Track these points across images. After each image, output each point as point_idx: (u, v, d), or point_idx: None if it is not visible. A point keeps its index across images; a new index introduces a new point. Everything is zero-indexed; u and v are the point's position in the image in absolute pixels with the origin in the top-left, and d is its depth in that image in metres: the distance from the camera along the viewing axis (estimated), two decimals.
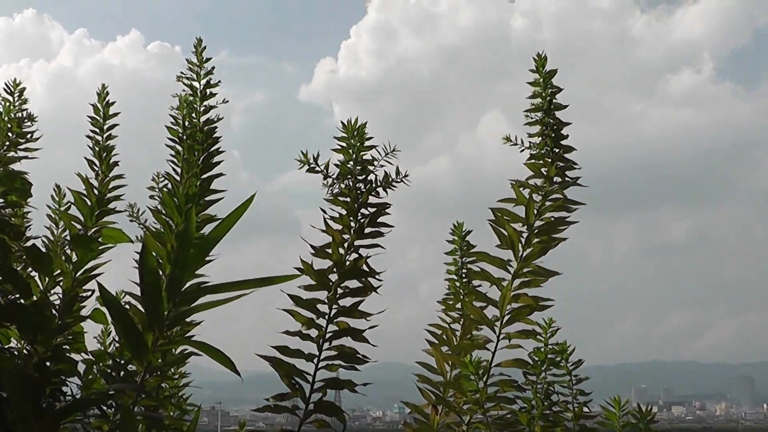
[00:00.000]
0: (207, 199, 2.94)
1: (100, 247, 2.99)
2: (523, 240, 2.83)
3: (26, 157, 3.07)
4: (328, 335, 2.60)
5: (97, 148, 3.17)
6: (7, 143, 3.02)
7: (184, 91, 3.03)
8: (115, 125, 3.21)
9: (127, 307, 2.65)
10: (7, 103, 3.08)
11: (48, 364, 2.80)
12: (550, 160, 2.84)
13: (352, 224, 2.63)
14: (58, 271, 2.98)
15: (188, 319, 2.62)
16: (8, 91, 3.10)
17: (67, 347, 2.94)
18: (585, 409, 3.22)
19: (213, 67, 3.07)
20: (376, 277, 2.63)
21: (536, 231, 2.82)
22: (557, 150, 2.86)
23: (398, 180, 2.62)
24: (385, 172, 2.62)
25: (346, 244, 2.62)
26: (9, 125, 3.03)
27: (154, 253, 2.70)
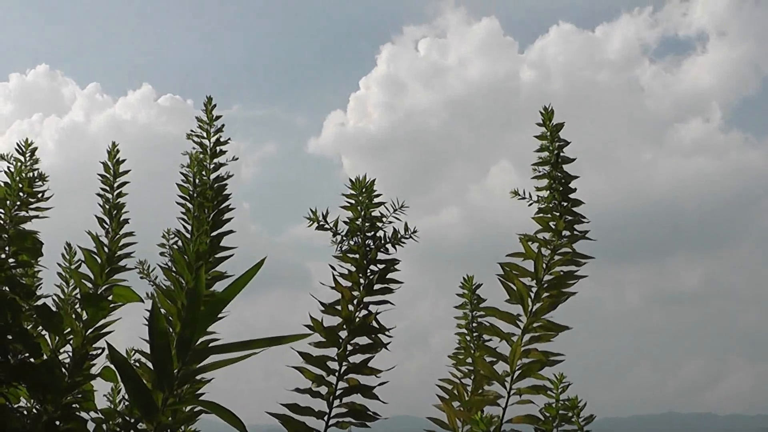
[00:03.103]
0: (217, 256, 2.95)
1: (111, 306, 2.99)
2: (532, 294, 2.83)
3: (37, 216, 3.10)
4: (338, 392, 2.60)
5: (107, 206, 3.19)
6: (18, 203, 3.05)
7: (194, 148, 3.07)
8: (125, 183, 3.23)
9: (136, 365, 2.65)
10: (19, 163, 3.11)
11: (57, 423, 2.80)
12: (558, 214, 2.85)
13: (362, 281, 2.64)
14: (69, 329, 2.99)
15: (198, 377, 2.62)
16: (20, 151, 3.13)
17: (77, 406, 2.93)
18: None
19: (223, 125, 3.10)
20: (386, 333, 2.63)
21: (545, 285, 2.82)
22: (565, 203, 2.87)
23: (407, 236, 2.64)
24: (394, 228, 2.64)
25: (355, 301, 2.63)
26: (20, 185, 3.06)
27: (163, 311, 2.71)
